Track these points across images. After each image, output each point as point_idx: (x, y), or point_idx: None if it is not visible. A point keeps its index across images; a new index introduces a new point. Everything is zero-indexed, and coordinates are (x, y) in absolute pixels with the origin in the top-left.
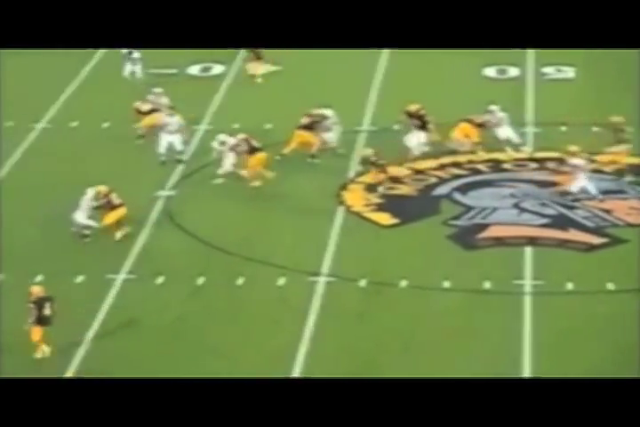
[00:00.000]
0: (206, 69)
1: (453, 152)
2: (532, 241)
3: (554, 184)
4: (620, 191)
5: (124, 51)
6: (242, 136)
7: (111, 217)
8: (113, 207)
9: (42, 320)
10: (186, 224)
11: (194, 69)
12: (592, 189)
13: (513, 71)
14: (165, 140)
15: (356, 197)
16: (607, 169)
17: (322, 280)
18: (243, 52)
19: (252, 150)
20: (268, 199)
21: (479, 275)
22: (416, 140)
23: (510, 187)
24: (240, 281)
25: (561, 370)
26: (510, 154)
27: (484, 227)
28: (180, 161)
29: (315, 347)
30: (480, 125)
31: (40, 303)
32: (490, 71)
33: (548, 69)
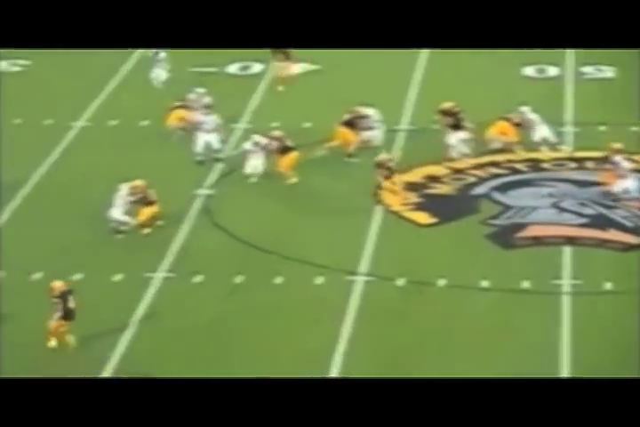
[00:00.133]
0: (245, 68)
1: (492, 151)
2: (570, 241)
3: (593, 184)
4: None
5: (151, 52)
6: (276, 134)
7: (145, 213)
8: (148, 203)
9: (68, 314)
10: (224, 223)
11: (233, 68)
12: (635, 189)
13: (552, 71)
14: (202, 140)
15: (394, 197)
16: None
17: (360, 279)
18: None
19: (285, 150)
20: (307, 198)
21: (517, 274)
22: (454, 139)
23: (549, 186)
24: (278, 280)
25: (599, 370)
26: (549, 154)
27: (522, 226)
28: (218, 160)
29: (352, 347)
30: (518, 124)
31: (64, 297)
32: (529, 71)
33: (587, 69)
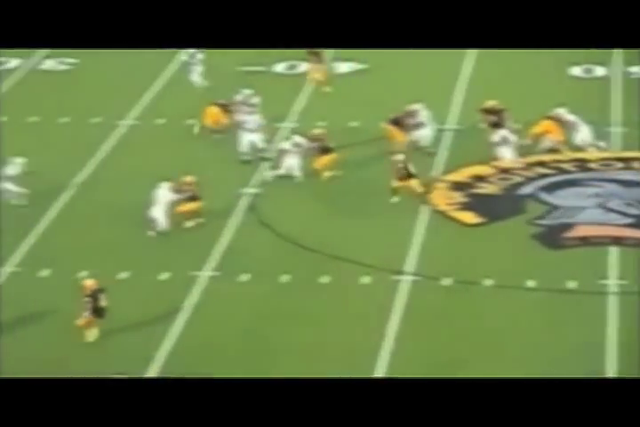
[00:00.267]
0: (292, 67)
1: (540, 151)
2: (617, 241)
3: None
4: None
5: (184, 57)
6: (318, 133)
7: (188, 206)
8: (193, 198)
9: (98, 312)
10: (271, 222)
11: (280, 67)
12: None
13: (599, 71)
14: (246, 139)
15: (440, 196)
16: None
17: (406, 279)
18: (330, 51)
19: (325, 150)
20: (354, 197)
21: (564, 274)
22: (497, 137)
23: (596, 186)
24: (324, 279)
25: None
26: (596, 154)
27: (569, 226)
28: (264, 159)
29: (398, 346)
30: (563, 124)
31: (95, 296)
32: (576, 71)
33: (634, 69)
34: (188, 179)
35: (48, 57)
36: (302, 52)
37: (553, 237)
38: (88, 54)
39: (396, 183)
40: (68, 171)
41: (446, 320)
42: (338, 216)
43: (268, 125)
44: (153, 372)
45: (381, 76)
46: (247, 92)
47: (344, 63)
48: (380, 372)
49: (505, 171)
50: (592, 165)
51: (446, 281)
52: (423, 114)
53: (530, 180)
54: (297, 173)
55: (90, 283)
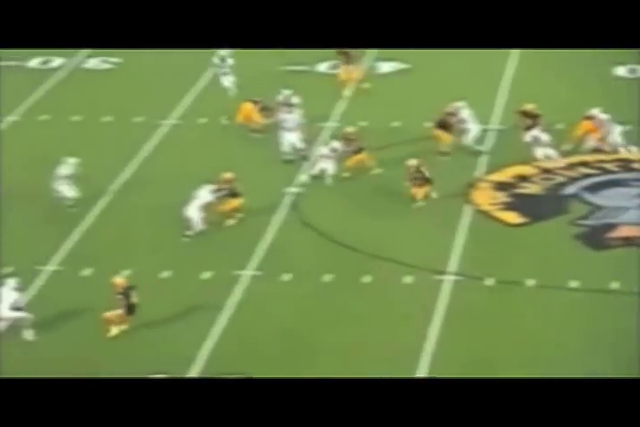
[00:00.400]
0: (335, 66)
1: (583, 151)
2: None
3: None
4: None
5: (216, 60)
6: (352, 133)
7: (229, 204)
8: (234, 195)
9: (130, 309)
10: (313, 221)
11: (323, 66)
12: None
13: None
14: (286, 139)
15: (483, 196)
16: None
17: (448, 279)
18: (371, 50)
19: (358, 150)
20: (395, 197)
21: (607, 275)
22: (529, 138)
23: None
24: (367, 279)
25: None
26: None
27: (612, 227)
28: (304, 158)
29: (440, 346)
30: (599, 124)
31: (127, 293)
32: (620, 71)
33: None
34: (228, 175)
35: (91, 56)
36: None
37: (596, 238)
38: (131, 53)
39: (408, 186)
40: (110, 170)
41: (488, 320)
42: (380, 216)
43: (310, 125)
44: (194, 372)
45: (423, 75)
46: (287, 92)
47: (386, 63)
48: (421, 372)
49: (548, 171)
50: (635, 166)
51: (489, 281)
52: (466, 113)
53: (573, 180)
54: (329, 178)
55: (121, 280)
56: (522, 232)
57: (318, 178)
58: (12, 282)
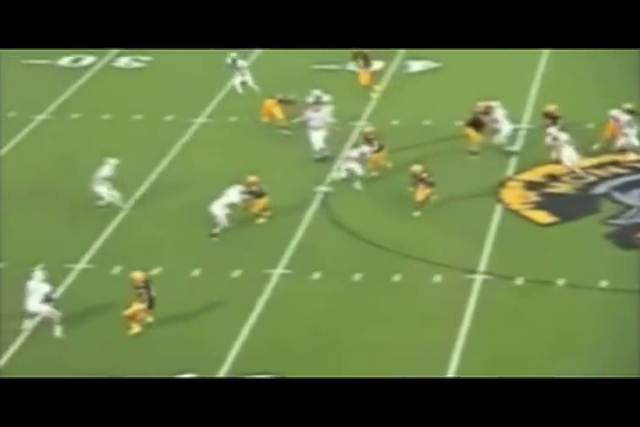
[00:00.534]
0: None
1: (613, 151)
2: None
3: None
4: None
5: (228, 60)
6: (371, 133)
7: (258, 205)
8: (259, 195)
9: (152, 302)
10: (342, 220)
11: (353, 65)
12: None
13: None
14: (315, 137)
15: (513, 195)
16: None
17: (478, 278)
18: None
19: (379, 149)
20: None
21: (637, 275)
22: (549, 139)
23: None
24: (396, 278)
25: None
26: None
27: None
28: (328, 158)
29: (470, 345)
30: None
31: (148, 286)
32: None
33: None
34: (252, 178)
35: (122, 55)
36: (376, 51)
37: (626, 237)
38: (161, 52)
39: (415, 193)
40: (140, 168)
41: (518, 320)
42: (410, 214)
43: (341, 124)
44: (224, 371)
45: (454, 74)
46: (316, 92)
47: (417, 62)
48: (451, 372)
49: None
50: None
51: (518, 281)
52: (500, 113)
53: (603, 179)
54: (357, 183)
55: (139, 275)
56: (552, 232)
57: (347, 181)
58: (39, 274)
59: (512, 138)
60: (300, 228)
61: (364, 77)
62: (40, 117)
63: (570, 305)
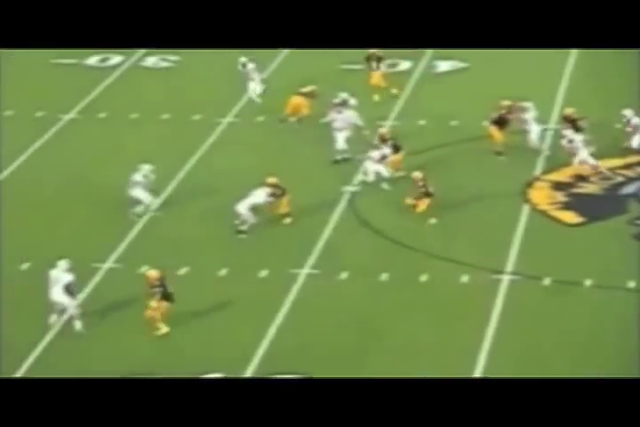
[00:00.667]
0: (393, 66)
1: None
2: None
3: None
4: None
5: (240, 67)
6: (384, 131)
7: (284, 204)
8: (282, 195)
9: (168, 297)
10: (370, 220)
11: (382, 65)
12: None
13: None
14: (340, 138)
15: (541, 196)
16: None
17: (505, 278)
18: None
19: (396, 149)
20: (452, 195)
21: None
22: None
23: None
24: (423, 278)
25: None
26: None
27: None
28: (348, 159)
29: (497, 345)
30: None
31: (163, 284)
32: None
33: None
34: (271, 180)
35: (149, 54)
36: (402, 51)
37: None
38: (189, 52)
39: (410, 201)
40: (168, 168)
41: (545, 320)
42: (437, 215)
43: (368, 125)
44: (250, 371)
45: (481, 74)
46: (343, 95)
47: (444, 62)
48: (478, 372)
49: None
50: None
51: (546, 281)
52: (531, 114)
53: (631, 180)
54: (385, 184)
55: (154, 273)
56: (579, 232)
57: (376, 183)
58: (63, 263)
59: (540, 138)
60: (326, 228)
61: (375, 78)
62: (68, 117)
63: (597, 306)
